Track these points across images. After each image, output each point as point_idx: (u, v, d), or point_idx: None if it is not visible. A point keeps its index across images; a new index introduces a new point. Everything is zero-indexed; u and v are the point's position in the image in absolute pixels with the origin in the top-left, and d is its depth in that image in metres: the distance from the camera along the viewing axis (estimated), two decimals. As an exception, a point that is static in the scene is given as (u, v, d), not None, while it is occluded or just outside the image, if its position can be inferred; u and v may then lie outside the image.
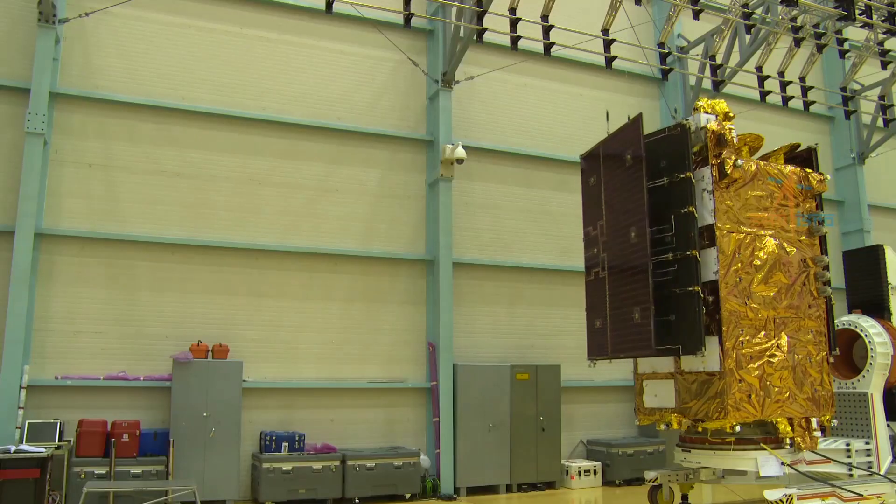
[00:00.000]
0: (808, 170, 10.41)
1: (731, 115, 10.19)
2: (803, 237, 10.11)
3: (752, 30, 14.16)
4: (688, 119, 9.96)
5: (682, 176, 9.60)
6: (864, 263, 12.26)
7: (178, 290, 12.20)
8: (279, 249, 12.91)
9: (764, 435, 9.45)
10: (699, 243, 9.43)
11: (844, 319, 11.39)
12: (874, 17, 14.35)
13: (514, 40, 12.66)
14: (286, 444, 11.79)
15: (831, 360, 9.96)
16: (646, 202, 9.49)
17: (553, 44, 12.77)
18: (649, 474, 10.34)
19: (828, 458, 9.84)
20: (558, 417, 13.82)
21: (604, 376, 15.01)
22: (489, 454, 13.11)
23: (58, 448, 10.26)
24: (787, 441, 9.36)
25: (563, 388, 14.06)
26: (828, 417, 9.70)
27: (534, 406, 13.61)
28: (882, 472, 10.18)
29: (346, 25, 13.86)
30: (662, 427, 10.06)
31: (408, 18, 12.31)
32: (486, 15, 12.25)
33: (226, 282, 12.54)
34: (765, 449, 9.20)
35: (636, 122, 9.91)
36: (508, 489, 13.26)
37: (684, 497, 10.46)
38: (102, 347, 11.63)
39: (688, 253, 9.40)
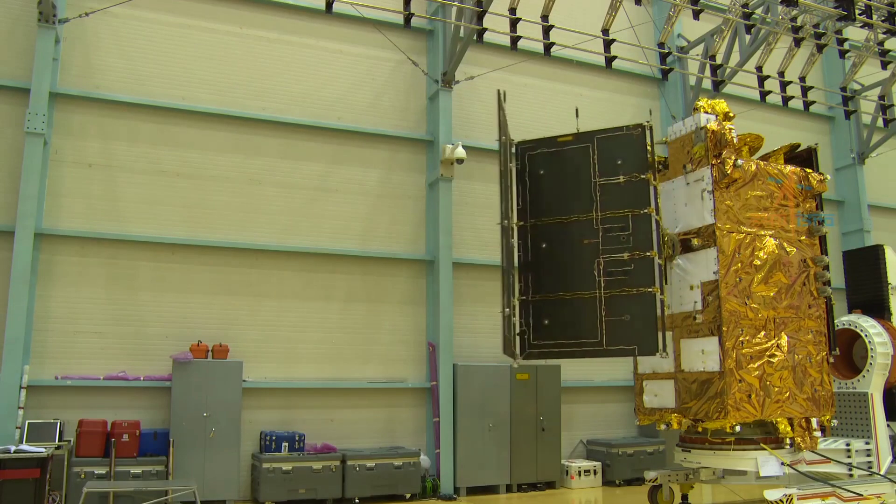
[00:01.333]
0: (808, 170, 10.43)
1: (731, 115, 10.21)
2: (803, 237, 10.13)
3: (752, 30, 14.18)
4: (648, 121, 10.07)
5: (642, 176, 9.67)
6: (864, 263, 12.27)
7: (178, 290, 12.20)
8: (279, 249, 12.91)
9: (764, 435, 9.46)
10: (659, 244, 9.59)
11: (844, 319, 11.40)
12: (874, 17, 14.36)
13: (514, 40, 12.67)
14: (286, 444, 11.78)
15: (831, 360, 9.98)
16: (500, 192, 9.41)
17: (553, 44, 12.78)
18: (649, 474, 10.35)
19: (828, 458, 9.85)
20: (558, 417, 13.82)
21: (604, 376, 15.02)
22: (489, 454, 13.11)
23: (58, 448, 10.26)
24: (787, 441, 9.37)
25: (563, 388, 14.06)
26: (828, 417, 9.72)
27: (534, 406, 13.60)
28: (882, 472, 10.19)
29: (346, 25, 13.86)
30: (662, 427, 10.07)
31: (408, 18, 12.32)
32: (486, 15, 12.25)
33: (226, 282, 12.54)
34: (765, 449, 9.21)
35: (498, 101, 9.88)
36: (508, 489, 13.25)
37: (684, 497, 10.47)
38: (102, 347, 11.63)
39: (647, 254, 9.45)
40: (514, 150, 10.57)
